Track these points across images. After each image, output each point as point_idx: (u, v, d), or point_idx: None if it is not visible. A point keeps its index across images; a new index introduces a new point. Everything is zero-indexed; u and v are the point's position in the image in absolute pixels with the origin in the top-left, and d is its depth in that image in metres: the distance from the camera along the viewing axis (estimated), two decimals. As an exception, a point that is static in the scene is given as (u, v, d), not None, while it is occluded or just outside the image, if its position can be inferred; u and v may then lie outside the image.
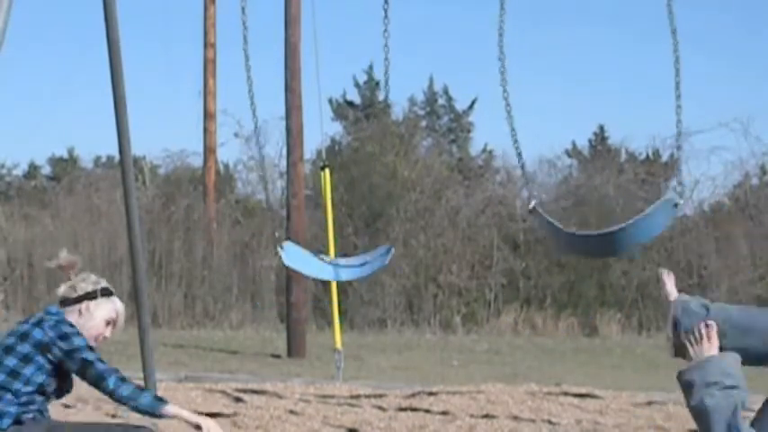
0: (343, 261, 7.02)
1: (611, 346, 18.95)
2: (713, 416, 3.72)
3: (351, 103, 30.14)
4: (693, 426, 9.49)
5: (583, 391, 10.85)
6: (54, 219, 24.90)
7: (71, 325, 4.60)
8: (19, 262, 24.06)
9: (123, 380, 4.53)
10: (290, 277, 16.32)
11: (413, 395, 10.61)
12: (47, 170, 32.79)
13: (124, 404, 4.57)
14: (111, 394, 4.52)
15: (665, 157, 25.92)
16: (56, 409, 9.46)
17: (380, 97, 29.67)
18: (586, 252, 6.85)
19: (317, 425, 9.05)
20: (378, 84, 29.85)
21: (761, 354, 3.95)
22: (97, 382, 4.53)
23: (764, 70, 36.90)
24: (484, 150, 29.19)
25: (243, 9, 6.26)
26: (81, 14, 42.95)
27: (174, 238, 23.53)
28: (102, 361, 4.55)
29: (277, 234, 6.64)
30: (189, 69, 43.30)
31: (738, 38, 39.10)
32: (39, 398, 4.57)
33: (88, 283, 4.80)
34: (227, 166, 27.23)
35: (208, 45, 24.01)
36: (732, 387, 3.78)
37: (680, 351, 4.14)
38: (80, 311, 4.68)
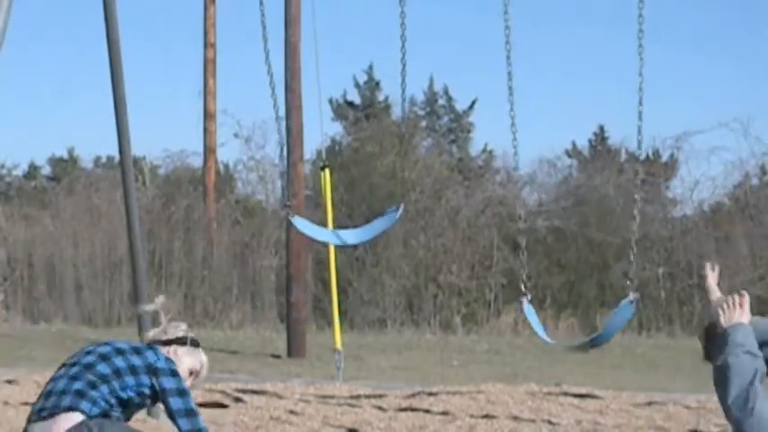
0: (352, 229, 7.26)
1: (611, 346, 18.91)
2: (733, 376, 3.71)
3: (351, 103, 30.13)
4: (693, 426, 9.48)
5: (583, 391, 10.85)
6: (54, 219, 24.89)
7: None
8: (19, 262, 24.06)
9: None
10: (290, 277, 16.32)
11: (413, 395, 10.61)
12: (47, 170, 32.77)
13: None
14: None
15: (665, 157, 25.92)
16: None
17: (380, 97, 29.69)
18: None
19: (317, 425, 9.06)
20: (378, 84, 29.84)
21: None
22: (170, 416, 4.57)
23: (764, 70, 36.91)
24: (484, 150, 29.17)
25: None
26: (81, 14, 42.94)
27: (174, 238, 23.53)
28: (196, 416, 4.56)
29: (288, 203, 7.06)
30: (189, 69, 43.26)
31: (738, 38, 39.11)
32: (120, 408, 4.55)
33: (179, 330, 4.82)
34: (227, 167, 27.23)
35: (208, 45, 24.01)
36: (756, 356, 3.77)
37: (709, 354, 4.11)
38: (167, 354, 4.67)
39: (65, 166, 31.16)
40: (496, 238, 22.89)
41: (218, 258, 23.23)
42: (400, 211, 6.60)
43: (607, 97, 39.46)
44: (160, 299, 4.94)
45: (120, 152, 7.87)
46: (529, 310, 6.80)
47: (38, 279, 23.85)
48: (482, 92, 30.94)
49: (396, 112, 28.34)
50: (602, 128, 28.72)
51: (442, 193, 23.92)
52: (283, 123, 16.71)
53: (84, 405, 4.39)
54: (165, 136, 49.13)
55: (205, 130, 24.20)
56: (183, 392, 4.52)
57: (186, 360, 4.72)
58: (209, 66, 24.06)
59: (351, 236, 7.13)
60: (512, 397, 10.37)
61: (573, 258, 22.57)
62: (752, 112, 34.75)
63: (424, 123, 29.91)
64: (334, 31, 37.50)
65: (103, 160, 30.89)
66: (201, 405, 6.76)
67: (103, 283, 23.39)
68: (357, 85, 30.34)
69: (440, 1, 39.46)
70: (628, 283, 8.53)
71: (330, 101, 29.59)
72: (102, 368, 4.50)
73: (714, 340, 4.05)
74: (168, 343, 4.72)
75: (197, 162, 25.59)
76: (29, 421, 4.49)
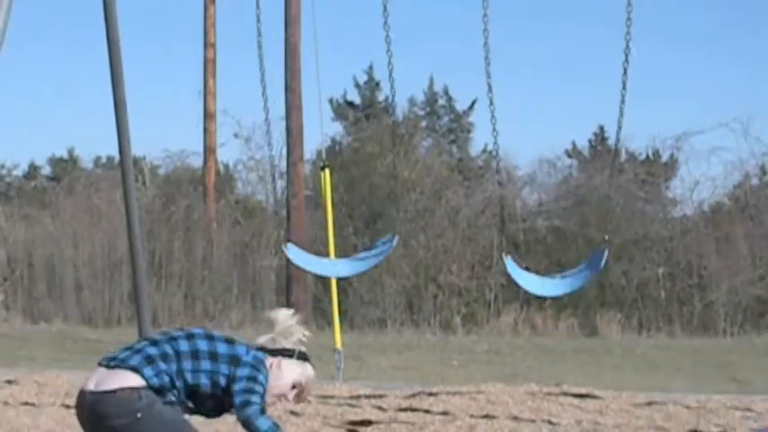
0: (346, 260, 7.18)
1: (611, 346, 18.93)
2: None
3: (351, 104, 30.13)
4: (693, 426, 9.49)
5: (583, 391, 10.84)
6: (54, 219, 24.91)
7: (266, 375, 4.49)
8: (19, 262, 24.07)
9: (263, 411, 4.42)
10: (290, 277, 16.33)
11: (413, 395, 10.61)
12: (47, 170, 32.77)
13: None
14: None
15: (665, 158, 25.92)
16: (56, 410, 9.47)
17: (380, 97, 29.67)
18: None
19: (317, 425, 9.06)
20: (378, 84, 29.83)
21: None
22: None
23: (764, 70, 36.89)
24: (484, 150, 29.14)
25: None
26: (81, 14, 42.94)
27: (174, 238, 23.54)
28: (262, 396, 4.43)
29: (282, 234, 7.08)
30: (189, 69, 43.30)
31: (738, 38, 39.09)
32: (184, 393, 4.44)
33: (289, 341, 4.65)
34: (227, 167, 27.24)
35: (208, 45, 24.01)
36: None
37: None
38: (271, 366, 4.56)
39: (65, 166, 31.17)
40: (496, 238, 22.90)
41: (218, 258, 23.23)
42: (395, 241, 6.57)
43: (607, 97, 39.48)
44: (284, 314, 4.73)
45: (120, 152, 7.87)
46: (512, 266, 6.86)
47: (38, 279, 23.87)
48: (482, 92, 30.71)
49: (396, 113, 28.34)
50: (602, 128, 28.70)
51: (442, 193, 23.92)
52: (281, 123, 16.72)
53: (147, 371, 4.33)
54: (165, 136, 49.15)
55: (205, 130, 24.21)
56: (254, 380, 4.40)
57: (290, 372, 4.58)
58: (209, 66, 24.07)
59: (345, 267, 7.07)
60: (512, 397, 10.36)
61: (573, 258, 22.55)
62: (752, 112, 34.72)
63: (424, 123, 29.91)
64: (334, 31, 37.49)
65: (103, 160, 30.91)
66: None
67: (103, 283, 23.40)
68: (357, 85, 30.35)
69: (440, 1, 39.49)
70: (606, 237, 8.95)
71: (330, 101, 29.61)
72: (183, 345, 4.43)
73: None
74: (274, 353, 4.59)
75: (197, 162, 25.62)
76: (99, 364, 4.45)
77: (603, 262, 6.72)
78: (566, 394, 10.66)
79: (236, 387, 4.38)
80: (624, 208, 23.17)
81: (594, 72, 36.72)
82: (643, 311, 22.15)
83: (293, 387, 4.61)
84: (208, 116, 24.18)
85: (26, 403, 9.76)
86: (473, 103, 30.78)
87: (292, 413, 9.48)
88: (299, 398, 4.69)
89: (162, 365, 4.37)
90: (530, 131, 38.75)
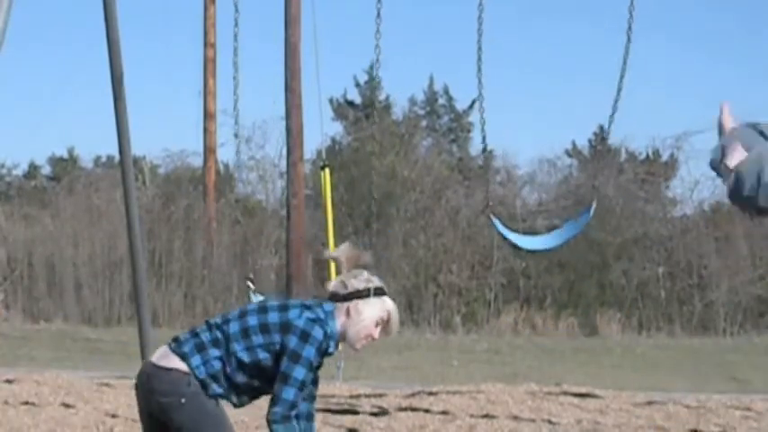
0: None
1: (611, 346, 18.94)
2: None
3: (351, 103, 30.12)
4: (693, 425, 9.47)
5: (583, 391, 10.84)
6: (54, 219, 24.91)
7: (326, 334, 4.35)
8: (19, 262, 24.07)
9: (282, 420, 4.31)
10: (289, 277, 16.31)
11: (413, 395, 10.61)
12: (47, 170, 32.79)
13: None
14: (267, 419, 4.32)
15: (665, 157, 25.93)
16: (56, 410, 9.47)
17: (380, 97, 29.65)
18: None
19: (318, 425, 9.03)
20: (378, 84, 29.82)
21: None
22: (271, 399, 4.33)
23: (764, 70, 36.92)
24: (484, 150, 29.15)
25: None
26: (81, 14, 42.97)
27: (174, 237, 23.54)
28: (299, 389, 4.31)
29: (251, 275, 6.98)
30: (189, 69, 43.34)
31: (738, 38, 39.12)
32: (238, 378, 4.34)
33: (360, 280, 4.45)
34: (226, 166, 27.24)
35: (208, 45, 24.01)
36: None
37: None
38: (348, 311, 4.41)
39: (65, 166, 31.18)
40: (496, 237, 22.91)
41: (218, 258, 23.23)
42: (592, 210, 6.71)
43: (607, 97, 39.43)
44: (345, 247, 4.62)
45: (120, 152, 7.87)
46: (499, 225, 7.01)
47: (38, 279, 23.87)
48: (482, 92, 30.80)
49: (396, 113, 28.37)
50: (602, 128, 28.62)
51: (442, 193, 23.93)
52: (281, 123, 16.73)
53: (195, 360, 4.30)
54: (165, 136, 49.25)
55: (205, 129, 24.21)
56: (299, 358, 4.28)
57: (369, 313, 4.42)
58: (209, 66, 24.06)
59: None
60: (512, 397, 10.36)
61: (573, 258, 22.57)
62: (752, 112, 34.71)
63: (424, 123, 29.92)
64: (334, 31, 37.54)
65: (103, 160, 30.92)
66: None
67: (103, 283, 23.41)
68: (357, 84, 30.35)
69: (440, 1, 39.50)
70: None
71: (330, 101, 29.60)
72: (233, 326, 4.35)
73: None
74: (348, 298, 4.42)
75: (197, 162, 25.62)
76: (170, 341, 4.45)
77: (592, 211, 6.78)
78: (566, 394, 10.66)
79: (281, 366, 4.28)
80: (624, 208, 23.17)
81: (595, 72, 36.77)
82: (643, 311, 22.15)
83: (376, 325, 4.46)
84: (208, 116, 24.18)
85: (26, 403, 9.76)
86: (473, 102, 30.73)
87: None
88: (386, 332, 4.53)
89: (213, 352, 4.32)
90: (530, 131, 38.80)
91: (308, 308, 4.41)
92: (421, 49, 40.84)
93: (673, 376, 13.49)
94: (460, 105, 30.93)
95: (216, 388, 4.33)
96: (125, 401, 9.49)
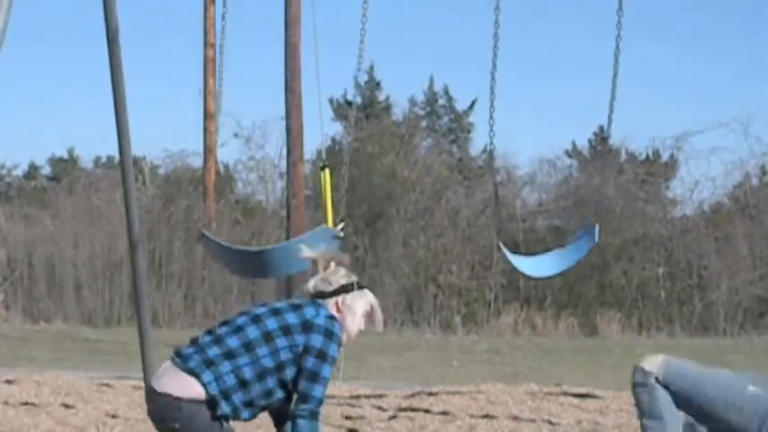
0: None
1: (611, 346, 18.95)
2: None
3: (351, 103, 30.12)
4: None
5: (583, 391, 10.84)
6: (54, 219, 24.91)
7: (339, 329, 4.38)
8: (19, 262, 24.07)
9: (310, 416, 4.28)
10: (290, 277, 16.30)
11: (413, 395, 10.61)
12: (47, 170, 32.79)
13: None
14: (293, 413, 4.28)
15: (665, 158, 25.93)
16: (56, 410, 9.47)
17: (380, 97, 29.69)
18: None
19: (317, 425, 9.04)
20: (378, 84, 29.84)
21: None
22: (296, 398, 4.29)
23: (764, 70, 36.93)
24: (484, 150, 29.15)
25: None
26: (81, 14, 42.97)
27: (174, 238, 23.54)
28: (326, 386, 4.31)
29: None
30: (189, 69, 43.35)
31: (738, 38, 39.12)
32: (256, 383, 4.25)
33: (342, 276, 4.51)
34: (227, 167, 27.23)
35: (208, 45, 23.99)
36: None
37: None
38: (337, 305, 4.45)
39: (65, 166, 31.18)
40: (496, 238, 22.90)
41: (218, 258, 23.21)
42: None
43: (607, 97, 39.34)
44: (323, 248, 4.64)
45: (120, 152, 7.86)
46: (506, 252, 7.11)
47: (38, 279, 23.87)
48: (482, 92, 30.86)
49: (396, 113, 28.37)
50: (602, 128, 28.64)
51: (442, 194, 23.93)
52: (281, 123, 16.74)
53: (207, 376, 4.20)
54: (165, 136, 49.21)
55: (205, 130, 24.19)
56: (326, 357, 4.29)
57: (358, 305, 4.49)
58: (209, 66, 24.04)
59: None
60: (512, 397, 10.36)
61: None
62: (752, 112, 34.82)
63: (424, 123, 29.91)
64: (334, 31, 37.48)
65: (103, 160, 30.93)
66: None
67: (103, 283, 23.41)
68: (357, 84, 30.33)
69: (440, 1, 39.50)
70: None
71: (330, 101, 29.60)
72: (252, 332, 4.27)
73: None
74: (335, 293, 4.45)
75: (197, 162, 25.61)
76: (173, 355, 4.32)
77: (597, 237, 6.81)
78: (566, 394, 10.66)
79: (307, 364, 4.26)
80: (624, 208, 23.17)
81: (595, 72, 36.75)
82: (643, 311, 22.16)
83: (364, 316, 4.55)
84: (208, 116, 24.16)
85: (26, 403, 9.76)
86: (473, 102, 30.79)
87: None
88: (372, 322, 4.59)
89: (226, 366, 4.23)
90: (530, 131, 38.80)
91: (317, 305, 4.42)
92: (421, 50, 40.87)
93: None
94: (460, 106, 30.95)
95: (224, 406, 4.24)
96: (125, 402, 9.50)
